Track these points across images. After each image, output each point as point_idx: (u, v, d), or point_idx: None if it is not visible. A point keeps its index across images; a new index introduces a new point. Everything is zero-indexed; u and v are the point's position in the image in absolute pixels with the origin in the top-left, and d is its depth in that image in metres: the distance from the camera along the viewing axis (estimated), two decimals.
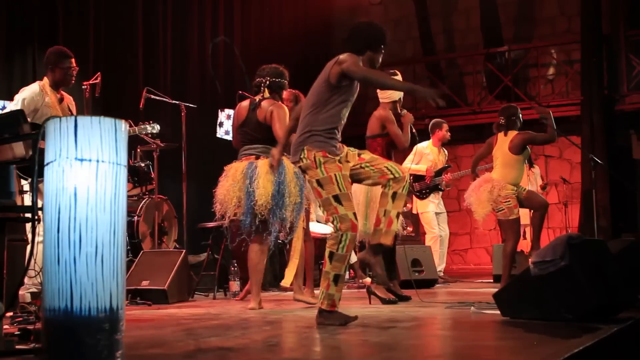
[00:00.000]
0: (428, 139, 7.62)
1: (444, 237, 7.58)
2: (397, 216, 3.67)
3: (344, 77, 3.53)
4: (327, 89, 3.56)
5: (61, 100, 4.80)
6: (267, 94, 4.68)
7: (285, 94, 5.46)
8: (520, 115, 5.82)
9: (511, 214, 5.56)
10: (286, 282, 5.04)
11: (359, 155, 3.67)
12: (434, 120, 7.71)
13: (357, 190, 4.82)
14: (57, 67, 4.70)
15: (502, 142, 5.69)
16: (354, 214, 3.48)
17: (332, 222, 3.52)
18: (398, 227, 4.73)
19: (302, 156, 3.54)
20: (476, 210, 5.68)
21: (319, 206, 3.76)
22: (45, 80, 4.72)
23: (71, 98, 4.97)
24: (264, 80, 4.72)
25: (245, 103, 4.75)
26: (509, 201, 5.55)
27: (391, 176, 3.59)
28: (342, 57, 3.56)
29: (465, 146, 11.79)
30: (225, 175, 4.53)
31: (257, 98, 4.68)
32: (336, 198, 3.46)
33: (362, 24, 3.78)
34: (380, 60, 3.74)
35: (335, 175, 3.49)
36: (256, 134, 4.59)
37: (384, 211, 3.62)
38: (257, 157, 4.51)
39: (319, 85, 3.61)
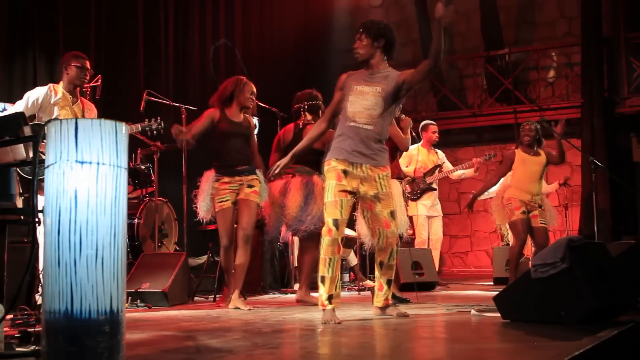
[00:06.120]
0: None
1: (435, 240, 7.51)
2: (388, 283, 3.89)
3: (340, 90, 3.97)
4: None
5: (75, 102, 4.83)
6: (309, 117, 5.17)
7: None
8: (521, 134, 6.16)
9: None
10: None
11: (378, 198, 3.77)
12: (423, 122, 7.79)
13: None
14: (70, 65, 4.82)
15: None
16: (334, 220, 3.63)
17: None
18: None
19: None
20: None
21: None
22: (61, 82, 4.83)
23: (92, 106, 5.02)
24: (302, 106, 5.22)
25: (290, 126, 5.26)
26: (511, 203, 5.97)
27: (375, 240, 3.78)
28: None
29: (466, 149, 11.78)
30: (268, 190, 4.98)
31: (301, 122, 5.18)
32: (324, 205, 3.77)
33: (390, 28, 4.12)
34: None
35: (329, 183, 3.75)
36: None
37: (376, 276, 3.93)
38: (293, 175, 5.04)
39: None
